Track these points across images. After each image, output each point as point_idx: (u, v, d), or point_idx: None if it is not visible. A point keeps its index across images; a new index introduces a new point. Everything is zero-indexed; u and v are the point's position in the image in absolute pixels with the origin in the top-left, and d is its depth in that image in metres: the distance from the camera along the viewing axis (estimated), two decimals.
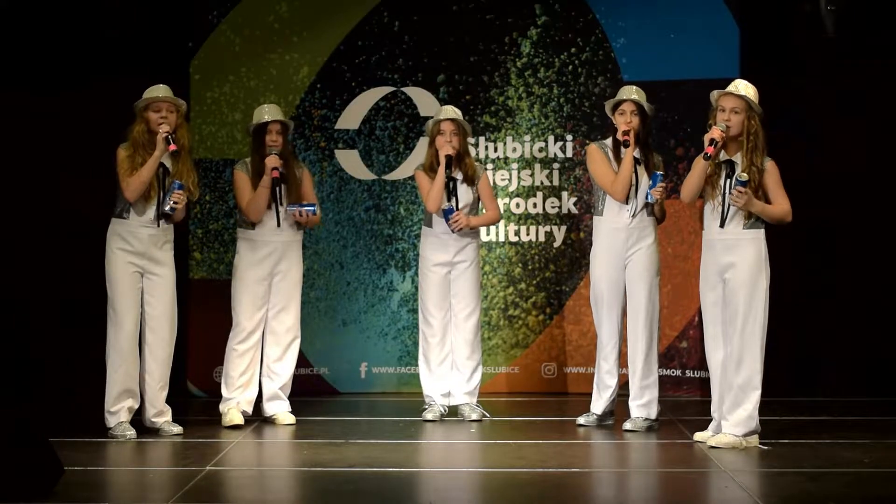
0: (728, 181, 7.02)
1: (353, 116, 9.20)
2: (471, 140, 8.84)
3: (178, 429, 7.45)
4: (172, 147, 7.31)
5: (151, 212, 7.38)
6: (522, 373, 9.19)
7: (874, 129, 9.06)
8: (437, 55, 9.20)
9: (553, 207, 9.20)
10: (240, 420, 7.71)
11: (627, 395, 7.69)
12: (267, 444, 7.45)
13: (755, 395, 6.96)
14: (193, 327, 8.86)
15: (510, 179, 9.19)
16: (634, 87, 7.68)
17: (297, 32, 9.17)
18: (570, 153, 9.18)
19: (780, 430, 7.41)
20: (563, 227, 9.19)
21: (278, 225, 7.81)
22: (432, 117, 8.06)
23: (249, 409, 7.82)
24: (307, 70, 9.17)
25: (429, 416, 7.96)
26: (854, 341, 9.13)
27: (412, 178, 9.08)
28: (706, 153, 7.00)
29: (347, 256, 9.21)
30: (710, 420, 7.18)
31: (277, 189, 7.76)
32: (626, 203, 7.60)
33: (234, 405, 7.74)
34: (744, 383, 6.95)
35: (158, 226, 7.40)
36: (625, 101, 7.62)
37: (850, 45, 8.88)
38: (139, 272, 7.38)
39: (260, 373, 7.88)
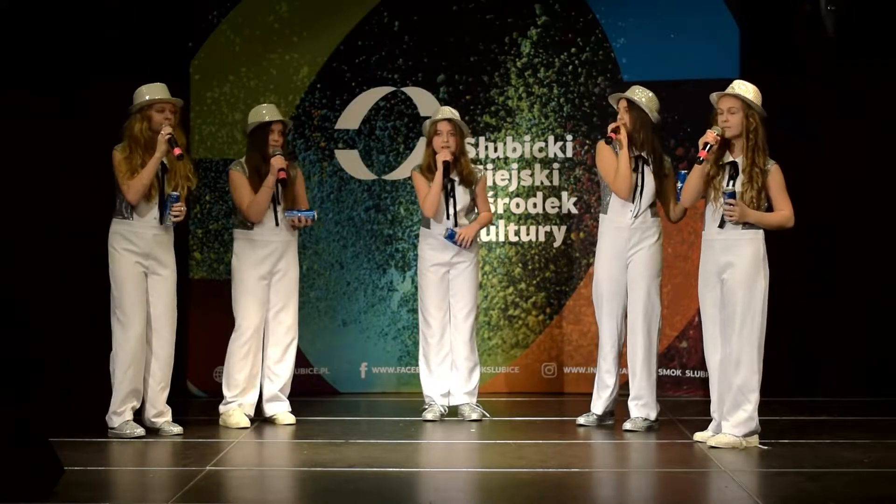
0: (732, 182, 7.01)
1: (353, 116, 9.20)
2: (470, 140, 8.86)
3: (178, 429, 7.45)
4: (178, 151, 7.32)
5: (154, 211, 7.37)
6: (522, 373, 9.19)
7: (874, 129, 9.06)
8: (437, 55, 9.20)
9: (553, 207, 9.20)
10: (246, 422, 7.70)
11: (627, 395, 7.69)
12: (267, 444, 7.45)
13: (754, 397, 6.96)
14: (193, 327, 8.86)
15: (510, 179, 9.19)
16: (639, 88, 7.67)
17: (297, 32, 9.17)
18: (570, 153, 9.18)
19: (780, 430, 7.41)
20: (563, 227, 9.19)
21: (277, 224, 7.81)
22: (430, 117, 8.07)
23: (251, 412, 7.81)
24: (307, 70, 9.17)
25: (429, 416, 7.96)
26: (854, 341, 9.13)
27: (411, 178, 9.11)
28: (699, 157, 7.03)
29: (347, 256, 9.21)
30: (710, 420, 7.18)
31: (276, 189, 7.76)
32: (631, 202, 7.61)
33: (237, 407, 7.74)
34: (742, 384, 6.95)
35: (162, 223, 7.41)
36: (621, 97, 7.65)
37: (850, 45, 8.88)
38: (144, 272, 7.38)
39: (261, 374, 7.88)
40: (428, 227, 8.02)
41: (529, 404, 8.69)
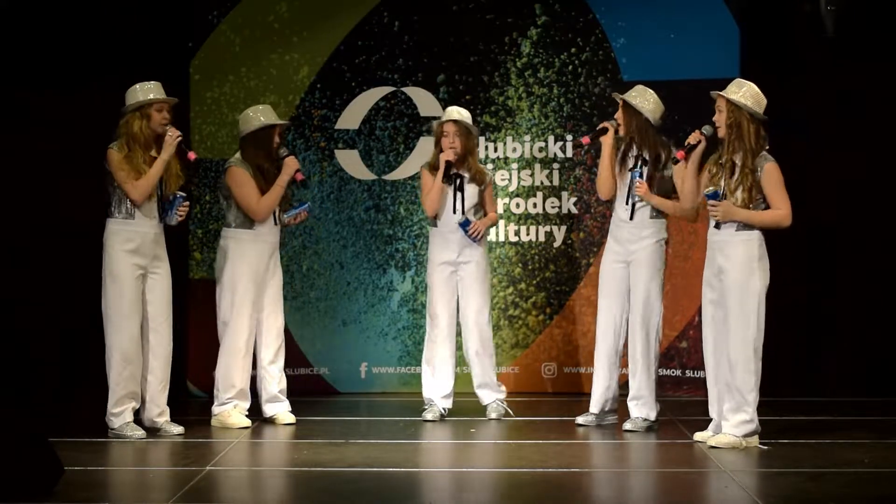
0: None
1: (353, 116, 9.20)
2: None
3: (178, 429, 7.45)
4: (193, 156, 7.35)
5: (155, 211, 7.37)
6: (522, 373, 9.19)
7: (874, 129, 9.06)
8: (437, 55, 9.20)
9: (553, 207, 9.20)
10: (247, 422, 7.69)
11: (627, 395, 7.69)
12: (267, 444, 7.45)
13: (751, 397, 6.94)
14: (193, 327, 8.87)
15: (510, 179, 9.19)
16: (640, 88, 7.67)
17: (297, 32, 9.17)
18: (570, 153, 9.18)
19: (780, 430, 7.41)
20: (563, 227, 9.19)
21: (276, 223, 7.82)
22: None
23: (245, 412, 7.80)
24: (307, 70, 9.17)
25: (428, 416, 7.96)
26: (854, 341, 9.13)
27: (412, 178, 9.13)
28: (674, 157, 7.12)
29: (347, 256, 9.21)
30: (710, 420, 7.18)
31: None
32: (625, 203, 7.63)
33: (232, 407, 7.72)
34: (739, 385, 6.94)
35: (165, 222, 7.41)
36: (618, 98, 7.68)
37: (850, 45, 8.88)
38: (142, 273, 7.36)
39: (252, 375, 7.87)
40: (435, 225, 8.04)
41: (529, 404, 8.69)
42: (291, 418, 7.84)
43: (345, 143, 9.20)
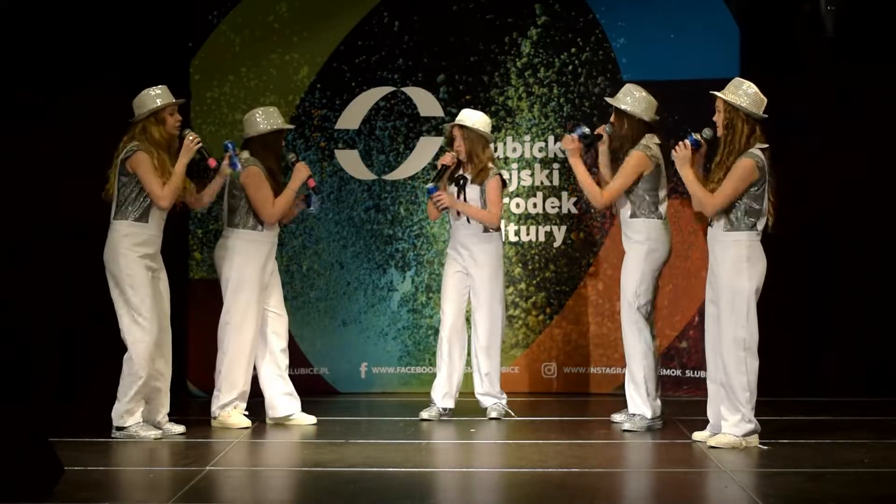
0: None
1: (353, 116, 9.20)
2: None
3: (180, 428, 7.45)
4: (213, 162, 7.38)
5: (163, 213, 7.38)
6: (522, 373, 9.19)
7: (874, 129, 9.06)
8: (437, 55, 9.20)
9: (553, 207, 9.20)
10: (248, 422, 7.69)
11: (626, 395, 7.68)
12: (267, 444, 7.45)
13: (744, 397, 6.92)
14: (193, 327, 8.87)
15: (510, 179, 9.18)
16: (628, 86, 7.64)
17: (297, 32, 9.18)
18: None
19: (780, 430, 7.41)
20: (563, 227, 9.19)
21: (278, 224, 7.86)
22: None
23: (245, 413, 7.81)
24: (307, 70, 9.17)
25: (424, 415, 7.96)
26: (854, 341, 9.13)
27: (412, 178, 9.14)
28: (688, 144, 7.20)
29: (347, 256, 9.21)
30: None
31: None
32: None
33: (233, 408, 7.72)
34: (733, 385, 6.94)
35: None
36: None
37: (850, 45, 8.88)
38: (153, 274, 7.36)
39: (257, 375, 7.87)
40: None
41: (529, 404, 8.69)
42: (312, 419, 7.83)
43: (345, 143, 9.20)
